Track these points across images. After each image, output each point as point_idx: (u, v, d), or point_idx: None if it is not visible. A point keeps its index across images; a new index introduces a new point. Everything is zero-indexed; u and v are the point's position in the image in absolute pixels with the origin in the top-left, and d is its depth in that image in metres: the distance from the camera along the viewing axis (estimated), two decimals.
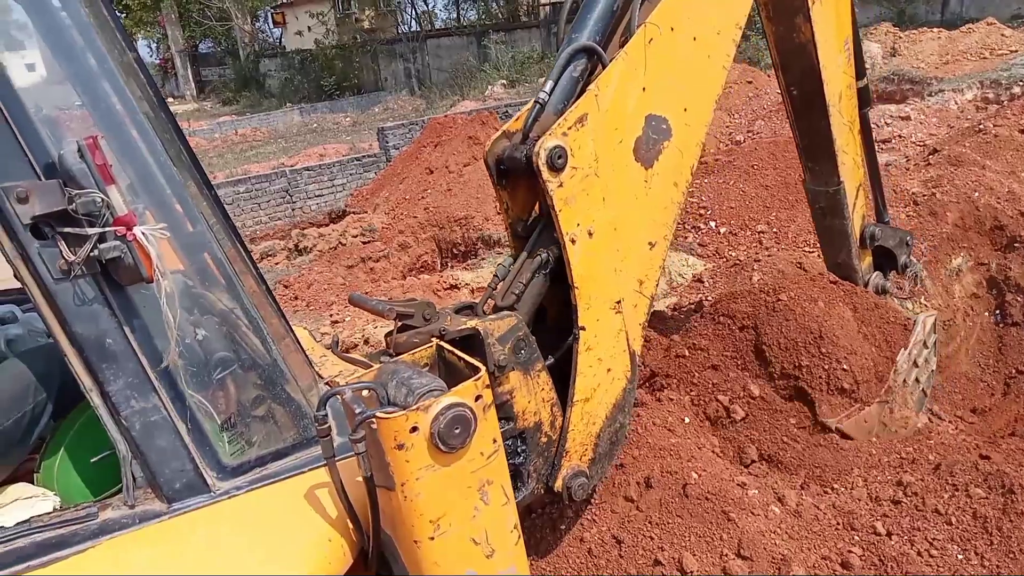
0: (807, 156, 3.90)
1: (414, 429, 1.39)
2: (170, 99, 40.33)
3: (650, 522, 3.57)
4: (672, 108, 2.42)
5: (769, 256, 6.65)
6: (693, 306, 6.25)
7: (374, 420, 1.38)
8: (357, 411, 1.38)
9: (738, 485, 3.64)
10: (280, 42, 41.02)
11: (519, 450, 2.37)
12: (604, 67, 2.27)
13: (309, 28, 35.76)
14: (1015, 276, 6.63)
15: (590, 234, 2.23)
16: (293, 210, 13.73)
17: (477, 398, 1.45)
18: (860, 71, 3.76)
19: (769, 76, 14.74)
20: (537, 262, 2.34)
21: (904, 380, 4.13)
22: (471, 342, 2.17)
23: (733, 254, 7.19)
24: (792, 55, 3.50)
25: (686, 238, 7.83)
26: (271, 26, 41.85)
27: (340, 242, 10.79)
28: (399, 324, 2.20)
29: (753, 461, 3.86)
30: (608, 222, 2.28)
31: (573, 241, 2.19)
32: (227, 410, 1.61)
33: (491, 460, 1.49)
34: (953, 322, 6.73)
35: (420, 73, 33.00)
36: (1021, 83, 12.54)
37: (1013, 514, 3.15)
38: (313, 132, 24.49)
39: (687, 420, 4.08)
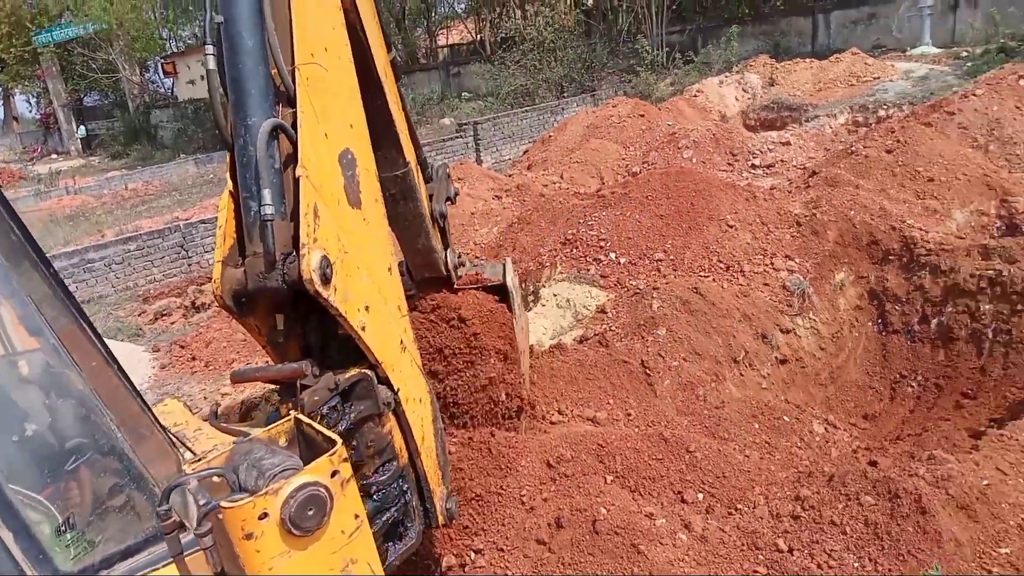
0: (371, 143, 3.67)
1: (263, 516, 1.30)
2: (54, 155, 38.36)
3: (563, 563, 3.54)
4: (346, 134, 2.32)
5: (667, 283, 6.84)
6: (598, 338, 6.35)
7: (220, 510, 1.29)
8: (201, 503, 1.28)
9: (646, 516, 3.67)
10: (172, 92, 39.78)
11: (404, 489, 2.34)
12: (291, 139, 2.08)
13: (202, 77, 34.84)
14: (892, 287, 7.07)
15: (368, 309, 2.15)
16: (190, 265, 13.16)
17: (333, 474, 1.37)
18: (388, 44, 3.54)
19: (660, 109, 15.39)
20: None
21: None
22: (354, 389, 2.13)
23: (634, 283, 7.36)
24: None
25: (588, 270, 7.96)
26: (161, 76, 40.52)
27: None
28: (299, 384, 2.13)
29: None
30: (369, 285, 2.22)
31: (364, 328, 2.09)
32: (66, 509, 1.48)
33: (354, 537, 1.42)
34: (840, 334, 7.09)
35: None
36: (885, 107, 13.58)
37: (899, 517, 3.30)
38: (210, 183, 23.68)
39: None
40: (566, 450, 4.12)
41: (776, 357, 6.46)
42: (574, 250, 8.31)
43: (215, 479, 1.38)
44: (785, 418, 5.74)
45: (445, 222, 4.18)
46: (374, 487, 2.22)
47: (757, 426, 5.52)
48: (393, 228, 3.89)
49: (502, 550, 3.76)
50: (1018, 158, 9.24)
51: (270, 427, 1.64)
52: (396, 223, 3.87)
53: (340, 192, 2.19)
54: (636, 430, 4.73)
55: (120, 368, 1.77)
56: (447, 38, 36.83)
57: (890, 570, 3.18)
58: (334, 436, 1.45)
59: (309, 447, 1.58)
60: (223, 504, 1.28)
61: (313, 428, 1.57)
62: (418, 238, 3.96)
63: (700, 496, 3.93)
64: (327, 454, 1.38)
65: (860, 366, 6.97)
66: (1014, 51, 14.70)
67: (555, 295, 7.79)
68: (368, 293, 2.18)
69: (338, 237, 2.04)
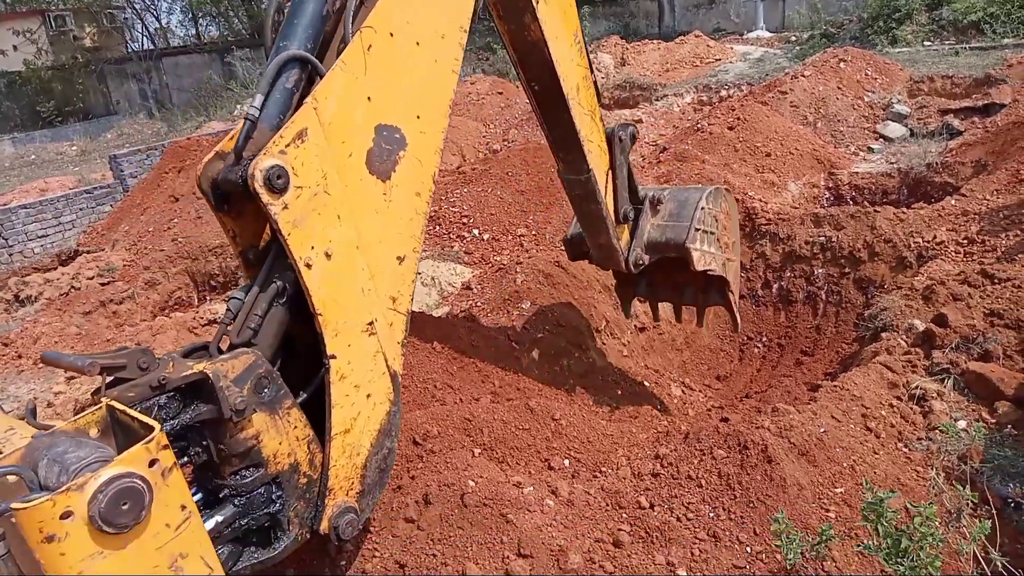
0: (557, 147, 4.02)
1: (67, 515, 1.12)
2: None
3: (432, 539, 3.48)
4: (403, 117, 2.34)
5: (530, 258, 6.89)
6: (464, 314, 6.30)
7: (12, 512, 1.09)
8: None
9: (514, 485, 3.67)
10: None
11: (274, 497, 2.17)
12: (321, 77, 2.15)
13: (15, 47, 31.08)
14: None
15: (328, 256, 2.11)
16: (11, 255, 11.82)
17: (152, 463, 1.21)
18: (590, 67, 3.94)
19: (517, 87, 15.50)
20: (272, 291, 2.17)
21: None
22: (201, 388, 1.92)
23: (497, 259, 7.38)
24: (527, 53, 3.59)
25: (452, 247, 7.90)
26: None
27: (72, 286, 9.45)
28: (110, 378, 1.88)
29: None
30: (347, 241, 2.17)
31: (309, 266, 2.06)
32: None
33: (181, 531, 1.25)
34: None
35: (158, 94, 30.21)
36: (726, 87, 14.41)
37: (748, 467, 3.49)
38: (31, 165, 21.37)
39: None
40: (432, 426, 4.05)
41: (635, 325, 6.71)
42: (437, 227, 8.22)
43: (9, 479, 1.17)
44: (645, 383, 5.98)
45: (637, 217, 4.39)
46: (228, 489, 2.03)
47: (620, 392, 5.72)
48: (581, 224, 4.38)
49: (370, 531, 3.65)
50: (841, 134, 10.10)
51: (77, 417, 1.42)
52: (582, 220, 4.32)
53: (360, 152, 2.22)
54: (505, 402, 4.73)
55: None
56: None
57: (742, 516, 3.37)
58: (152, 422, 1.27)
59: (127, 437, 1.39)
60: (14, 506, 1.09)
61: (128, 415, 1.38)
62: (599, 235, 4.26)
63: (566, 462, 3.99)
64: (142, 441, 1.21)
65: (712, 331, 7.38)
66: (835, 36, 16.07)
67: (420, 273, 7.67)
68: (337, 243, 2.14)
69: (323, 172, 2.05)
